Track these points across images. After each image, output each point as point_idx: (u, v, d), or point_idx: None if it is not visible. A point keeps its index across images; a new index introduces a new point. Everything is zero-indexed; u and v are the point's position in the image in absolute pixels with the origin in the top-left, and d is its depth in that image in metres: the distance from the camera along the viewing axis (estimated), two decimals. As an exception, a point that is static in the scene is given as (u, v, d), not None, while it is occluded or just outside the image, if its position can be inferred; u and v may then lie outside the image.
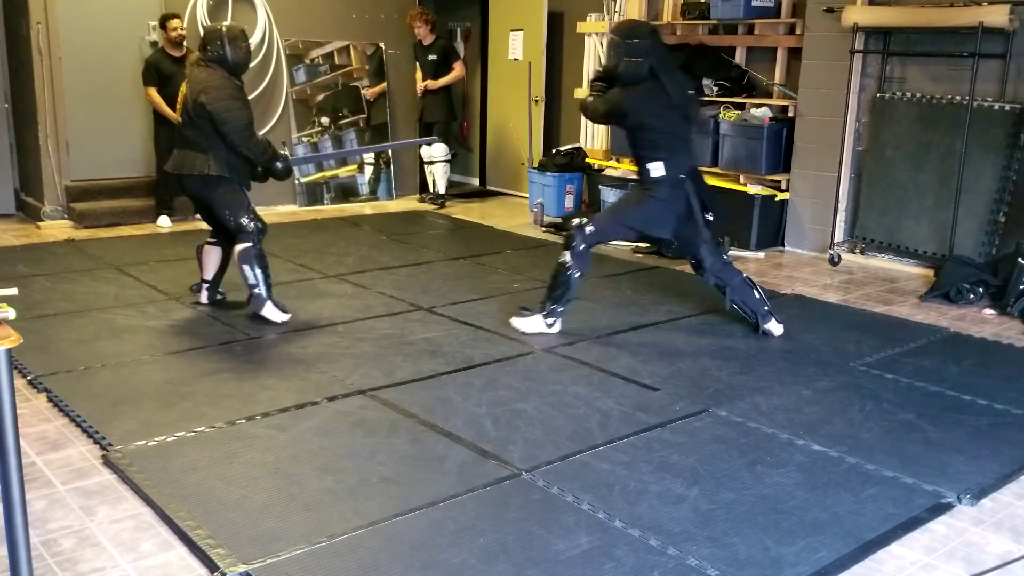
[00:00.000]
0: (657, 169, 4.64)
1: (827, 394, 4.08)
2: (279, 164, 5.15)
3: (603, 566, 2.64)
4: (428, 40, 8.73)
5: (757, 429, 3.66)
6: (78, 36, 7.57)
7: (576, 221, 4.67)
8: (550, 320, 4.83)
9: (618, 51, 4.64)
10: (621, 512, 2.95)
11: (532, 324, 4.86)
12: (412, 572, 2.60)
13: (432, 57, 8.72)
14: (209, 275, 5.31)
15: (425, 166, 9.11)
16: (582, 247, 4.75)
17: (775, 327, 4.91)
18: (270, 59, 8.46)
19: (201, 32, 7.92)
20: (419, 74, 8.83)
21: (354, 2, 8.99)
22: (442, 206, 8.90)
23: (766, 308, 4.91)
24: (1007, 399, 4.03)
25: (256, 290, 4.92)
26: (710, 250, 4.82)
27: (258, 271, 4.92)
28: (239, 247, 4.95)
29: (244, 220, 4.95)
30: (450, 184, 9.27)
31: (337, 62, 8.98)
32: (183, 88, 5.01)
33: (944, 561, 2.75)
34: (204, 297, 5.33)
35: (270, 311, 4.94)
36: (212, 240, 5.27)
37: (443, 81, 8.74)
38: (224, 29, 5.01)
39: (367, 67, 9.16)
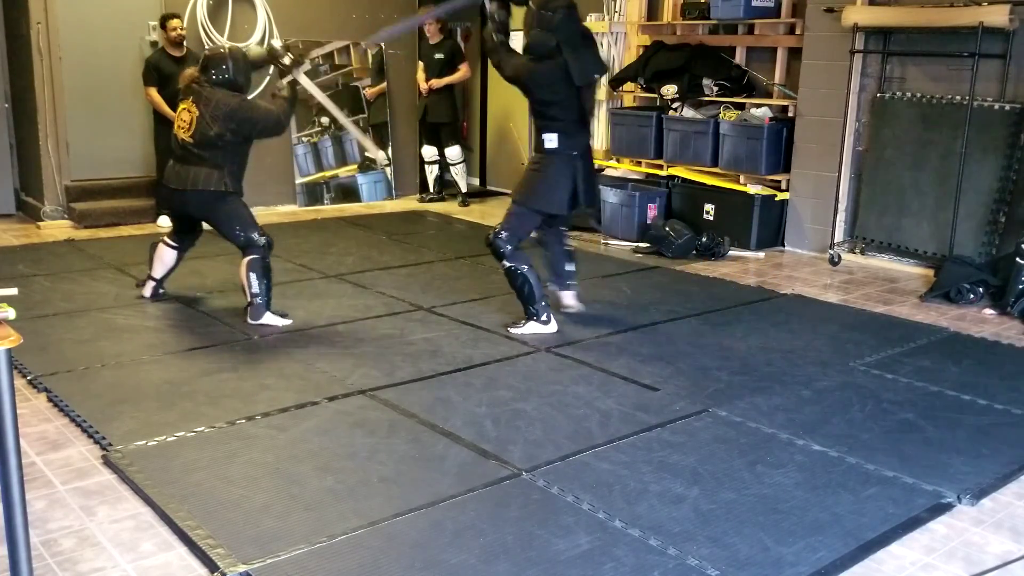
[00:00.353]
0: (551, 141, 4.78)
1: (827, 394, 4.08)
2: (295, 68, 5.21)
3: (603, 566, 2.64)
4: (436, 39, 8.71)
5: (757, 429, 3.66)
6: (78, 36, 7.57)
7: (491, 234, 4.85)
8: (543, 317, 4.88)
9: (531, 20, 4.71)
10: (621, 512, 2.95)
11: (530, 328, 4.89)
12: (412, 572, 2.60)
13: (439, 56, 8.70)
14: (159, 274, 5.41)
15: (426, 166, 9.10)
16: (510, 248, 4.84)
17: (570, 299, 5.22)
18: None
19: (201, 32, 7.99)
20: (421, 73, 8.81)
21: (354, 2, 8.98)
22: (466, 204, 9.01)
23: (570, 281, 5.23)
24: (1007, 399, 4.03)
25: (257, 300, 4.95)
26: (560, 234, 5.20)
27: (263, 282, 4.96)
28: (249, 257, 4.97)
29: (255, 235, 5.00)
30: (450, 184, 9.26)
31: (337, 62, 8.98)
32: (187, 106, 5.00)
33: (944, 561, 2.75)
34: (148, 291, 5.43)
35: (269, 318, 4.98)
36: (171, 243, 5.34)
37: (447, 80, 8.72)
38: (227, 53, 5.13)
39: (367, 67, 9.16)
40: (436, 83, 8.68)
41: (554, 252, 5.18)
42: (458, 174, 9.01)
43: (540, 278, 4.94)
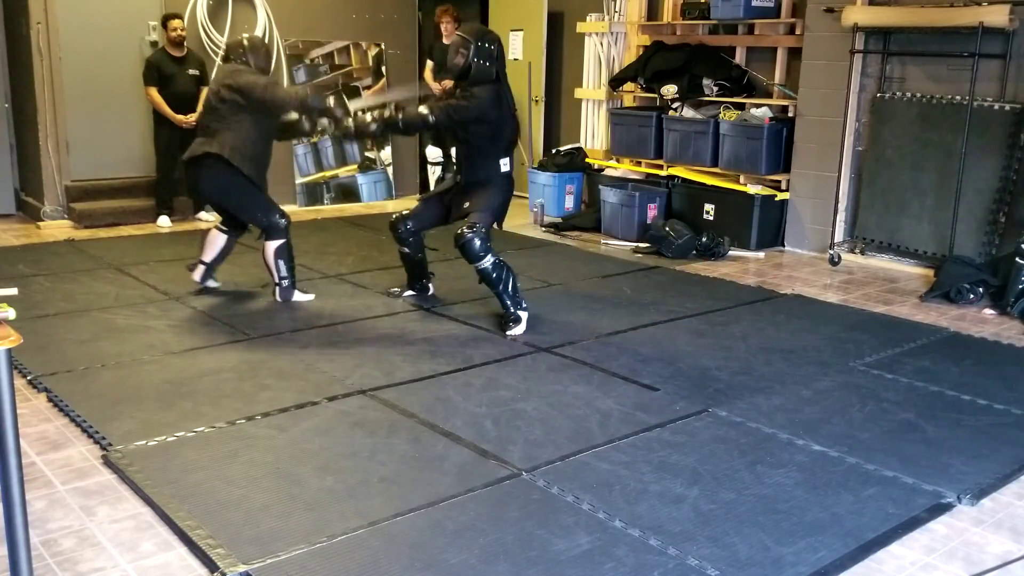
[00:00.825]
0: (506, 165, 5.11)
1: (827, 394, 4.08)
2: (327, 102, 5.31)
3: (603, 566, 2.64)
4: (452, 38, 8.62)
5: (757, 429, 3.66)
6: (78, 36, 7.58)
7: (462, 231, 4.88)
8: (523, 306, 4.97)
9: (468, 51, 4.90)
10: (621, 512, 2.95)
11: (521, 327, 4.92)
12: (412, 572, 2.60)
13: None
14: (208, 258, 5.51)
15: (430, 167, 9.05)
16: (486, 243, 4.89)
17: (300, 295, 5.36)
18: (270, 59, 8.45)
19: (201, 32, 7.99)
20: (429, 72, 8.66)
21: (354, 2, 8.99)
22: None
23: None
24: (1007, 399, 4.03)
25: (285, 282, 5.31)
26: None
27: (289, 264, 5.30)
28: (273, 244, 5.20)
29: (275, 218, 5.23)
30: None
31: (337, 62, 8.98)
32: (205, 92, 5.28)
33: (944, 561, 2.75)
34: (198, 275, 5.52)
35: (298, 296, 5.38)
36: (223, 228, 5.49)
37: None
38: (245, 40, 5.43)
39: (367, 67, 9.15)
40: (449, 83, 8.56)
41: (420, 261, 5.50)
42: None
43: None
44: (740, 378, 4.26)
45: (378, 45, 9.15)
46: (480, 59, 4.90)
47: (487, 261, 4.86)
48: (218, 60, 5.27)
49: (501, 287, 4.92)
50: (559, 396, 3.98)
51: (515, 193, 9.65)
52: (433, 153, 8.97)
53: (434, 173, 9.06)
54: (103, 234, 7.32)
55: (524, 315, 4.95)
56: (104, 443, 3.41)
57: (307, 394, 3.94)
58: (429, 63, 8.75)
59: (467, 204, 5.08)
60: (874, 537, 2.85)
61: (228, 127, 5.08)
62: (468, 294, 5.65)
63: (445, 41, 8.57)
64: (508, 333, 4.87)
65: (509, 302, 4.94)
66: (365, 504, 2.98)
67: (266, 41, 5.59)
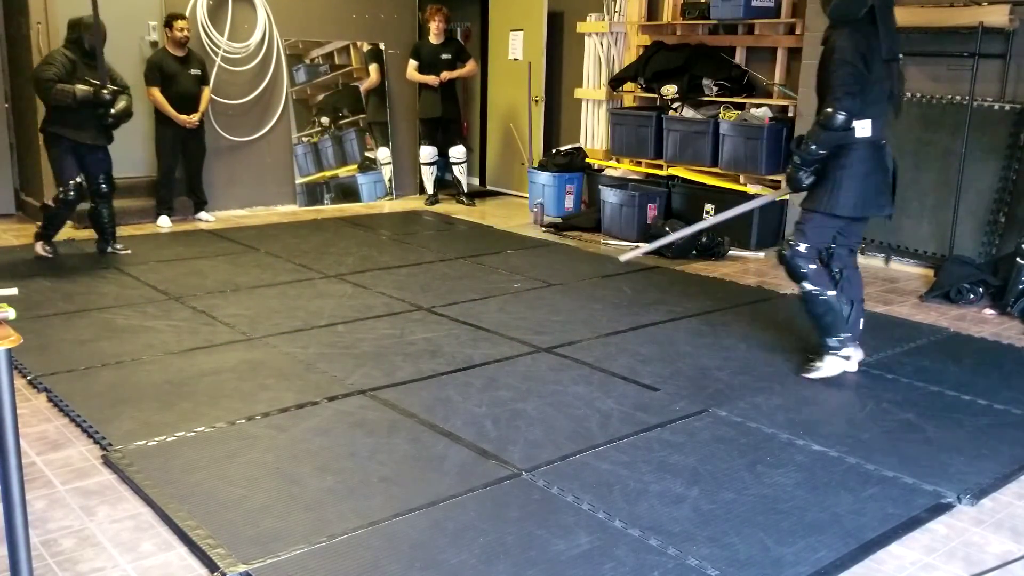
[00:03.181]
0: (864, 128, 4.00)
1: (827, 394, 4.08)
2: (104, 95, 6.01)
3: (603, 566, 2.64)
4: (441, 39, 8.61)
5: (757, 429, 3.66)
6: (78, 36, 7.56)
7: (784, 249, 4.12)
8: (844, 352, 4.22)
9: None
10: (621, 512, 2.95)
11: (827, 367, 4.23)
12: (412, 572, 2.60)
13: (446, 56, 8.58)
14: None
15: (425, 167, 8.96)
16: (812, 268, 4.11)
17: (858, 354, 4.38)
18: (270, 59, 8.47)
19: (201, 32, 8.00)
20: (414, 71, 8.61)
21: (354, 2, 8.98)
22: (473, 203, 9.00)
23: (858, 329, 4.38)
24: (1007, 399, 4.03)
25: (41, 230, 6.35)
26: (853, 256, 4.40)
27: (51, 222, 6.34)
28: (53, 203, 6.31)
29: (60, 189, 6.14)
30: (450, 184, 9.26)
31: (337, 62, 8.98)
32: None
33: (944, 561, 2.75)
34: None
35: (40, 248, 6.32)
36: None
37: (458, 73, 8.64)
38: (80, 18, 6.06)
39: (368, 66, 9.15)
40: (448, 75, 8.55)
41: (856, 304, 4.28)
42: (461, 173, 8.98)
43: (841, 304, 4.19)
44: (740, 378, 4.26)
45: (378, 45, 9.14)
46: None
47: (805, 285, 4.13)
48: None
49: (813, 321, 4.23)
50: (559, 396, 3.98)
51: (515, 193, 9.77)
52: (427, 153, 8.88)
53: (431, 174, 8.94)
54: (103, 234, 7.31)
55: (837, 361, 4.20)
56: (104, 443, 3.41)
57: (307, 394, 3.94)
58: (413, 62, 8.65)
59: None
60: (874, 537, 2.85)
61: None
62: (468, 294, 5.65)
63: (434, 40, 8.61)
64: (803, 375, 4.26)
65: (819, 340, 4.25)
66: (365, 504, 2.98)
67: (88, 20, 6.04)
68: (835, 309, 4.13)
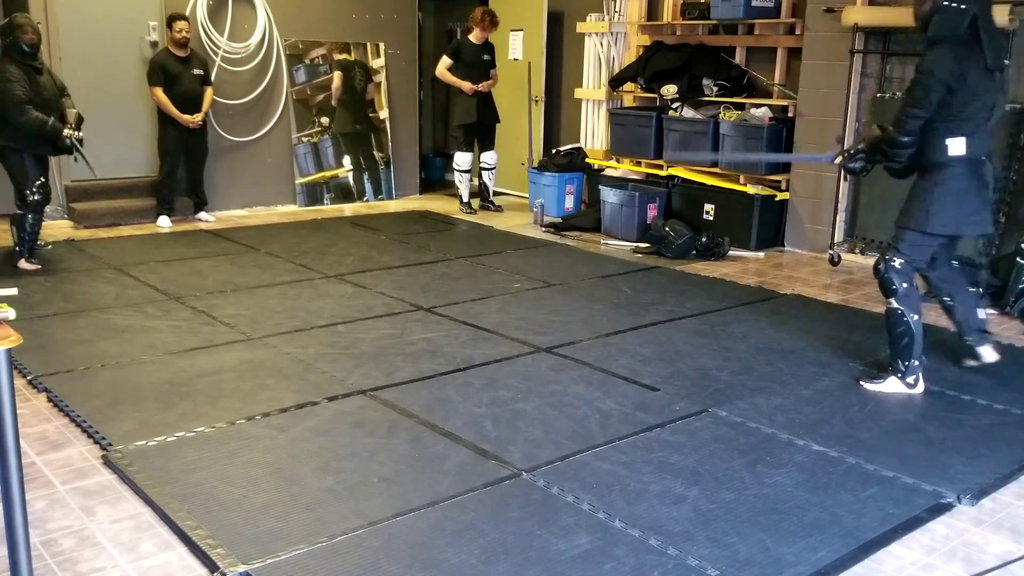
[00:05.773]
0: (957, 147, 3.93)
1: (827, 394, 4.08)
2: (65, 140, 5.90)
3: (603, 566, 2.64)
4: (482, 40, 8.37)
5: (757, 429, 3.66)
6: (78, 36, 7.57)
7: (880, 263, 4.07)
8: (910, 380, 4.09)
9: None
10: (621, 512, 2.95)
11: (889, 385, 4.12)
12: (412, 572, 2.60)
13: (487, 57, 8.39)
14: None
15: (460, 175, 8.65)
16: (905, 287, 4.03)
17: (991, 354, 4.40)
18: (270, 59, 8.47)
19: (201, 32, 8.00)
20: (445, 71, 8.31)
21: (354, 2, 8.99)
22: (501, 209, 8.80)
23: (986, 330, 4.47)
24: (1007, 399, 4.03)
25: (17, 248, 6.09)
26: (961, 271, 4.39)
27: (20, 235, 6.05)
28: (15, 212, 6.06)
29: (25, 191, 5.95)
30: (449, 184, 9.25)
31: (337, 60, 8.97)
32: None
33: (944, 561, 2.75)
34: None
35: (23, 264, 6.06)
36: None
37: (492, 83, 8.44)
38: (12, 19, 5.85)
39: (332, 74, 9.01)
40: (486, 85, 8.34)
41: (959, 296, 4.28)
42: (490, 179, 8.82)
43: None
44: (740, 378, 4.26)
45: (346, 55, 9.11)
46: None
47: (892, 303, 4.05)
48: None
49: (891, 339, 4.12)
50: (559, 396, 3.98)
51: (514, 193, 9.76)
52: (464, 160, 8.56)
53: (465, 181, 8.64)
54: (103, 234, 7.32)
55: (899, 384, 4.09)
56: (104, 443, 3.41)
57: (307, 394, 3.94)
58: (447, 60, 8.33)
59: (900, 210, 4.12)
60: (874, 537, 2.85)
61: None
62: (468, 294, 5.65)
63: (476, 41, 8.32)
64: (863, 383, 4.20)
65: (891, 358, 4.16)
66: (365, 504, 2.98)
67: (28, 20, 5.91)
68: (914, 334, 4.03)
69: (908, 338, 4.03)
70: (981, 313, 4.32)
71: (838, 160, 4.44)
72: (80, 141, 5.96)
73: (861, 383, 4.20)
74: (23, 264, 6.04)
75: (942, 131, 3.91)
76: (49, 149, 6.02)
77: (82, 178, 7.74)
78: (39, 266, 6.08)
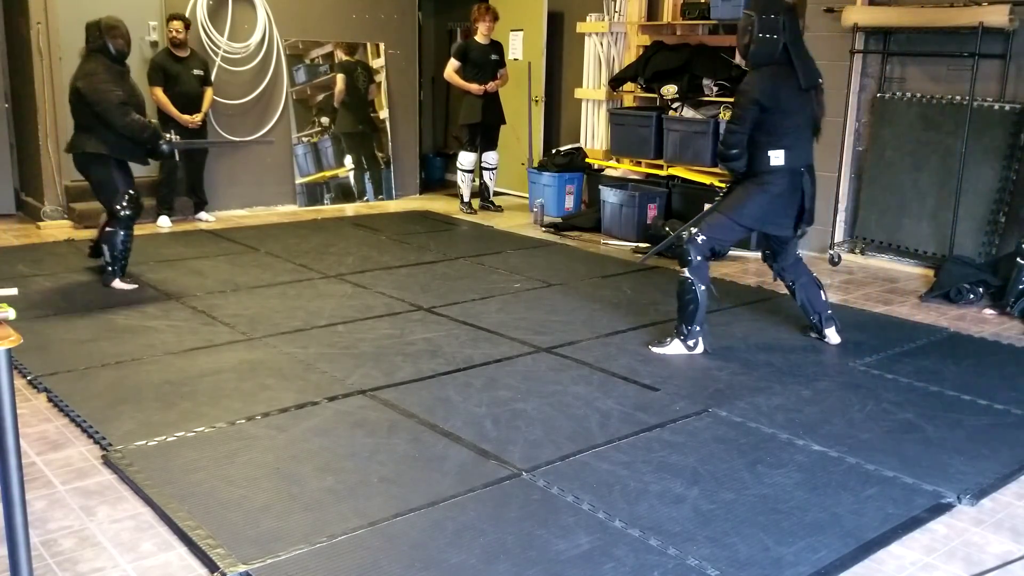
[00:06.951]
0: (777, 158, 4.42)
1: (827, 394, 4.08)
2: (163, 145, 5.64)
3: (603, 566, 2.64)
4: (487, 40, 8.36)
5: (757, 429, 3.66)
6: (78, 36, 7.51)
7: (684, 236, 4.51)
8: (691, 342, 4.58)
9: (749, 28, 4.37)
10: (621, 512, 2.95)
11: (674, 347, 4.60)
12: (412, 572, 2.60)
13: (495, 57, 8.37)
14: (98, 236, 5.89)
15: (464, 174, 8.61)
16: (699, 259, 4.50)
17: (835, 335, 4.83)
18: (270, 59, 8.47)
19: (202, 32, 8.00)
20: (453, 74, 8.32)
21: (354, 2, 8.98)
22: (501, 209, 8.79)
23: (829, 312, 4.85)
24: (1007, 399, 4.03)
25: (108, 268, 5.64)
26: (799, 264, 4.85)
27: (113, 254, 5.61)
28: (108, 228, 5.61)
29: (117, 206, 5.56)
30: (449, 184, 9.25)
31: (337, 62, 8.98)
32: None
33: (944, 561, 2.75)
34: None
35: (118, 284, 5.63)
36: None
37: (501, 83, 8.41)
38: (101, 21, 5.61)
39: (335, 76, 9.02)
40: (494, 85, 8.33)
41: (804, 287, 4.77)
42: (491, 179, 8.81)
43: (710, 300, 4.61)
44: (740, 378, 4.26)
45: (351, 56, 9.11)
46: (763, 32, 4.31)
47: (685, 272, 4.51)
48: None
49: (679, 307, 4.60)
50: (559, 396, 3.98)
51: (514, 193, 9.77)
52: (468, 160, 8.55)
53: (468, 181, 8.60)
54: (103, 234, 7.31)
55: (681, 347, 4.59)
56: (104, 443, 3.41)
57: (307, 394, 3.94)
58: (455, 63, 8.32)
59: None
60: (874, 537, 2.85)
61: (91, 125, 5.45)
62: (468, 294, 5.65)
63: (482, 41, 8.31)
64: (651, 347, 4.66)
65: (678, 323, 4.62)
66: (365, 504, 2.98)
67: (122, 23, 5.75)
68: (699, 303, 4.52)
69: (694, 305, 4.52)
70: (823, 296, 4.81)
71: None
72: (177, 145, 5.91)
73: (649, 347, 4.64)
74: (117, 284, 5.59)
75: (765, 144, 4.42)
76: (142, 155, 5.68)
77: (82, 178, 7.74)
78: (136, 285, 5.63)
